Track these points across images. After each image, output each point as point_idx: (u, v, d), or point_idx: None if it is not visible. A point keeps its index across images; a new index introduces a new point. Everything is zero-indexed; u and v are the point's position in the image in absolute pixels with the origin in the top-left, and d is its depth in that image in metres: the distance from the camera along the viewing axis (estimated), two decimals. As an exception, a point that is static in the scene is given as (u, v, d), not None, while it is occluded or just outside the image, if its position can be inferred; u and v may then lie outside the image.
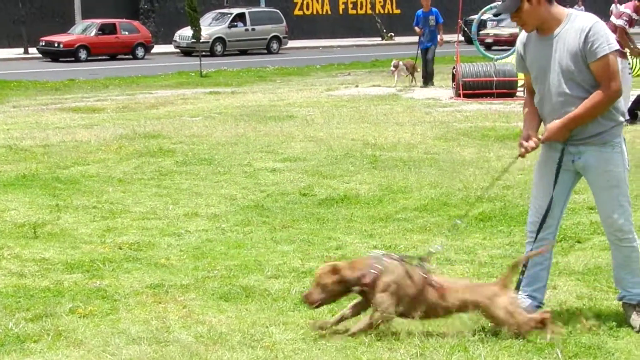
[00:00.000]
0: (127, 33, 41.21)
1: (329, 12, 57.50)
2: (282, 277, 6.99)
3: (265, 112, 17.93)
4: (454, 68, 21.83)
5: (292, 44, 47.30)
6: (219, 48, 42.81)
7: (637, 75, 16.39)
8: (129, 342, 5.58)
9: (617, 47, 5.60)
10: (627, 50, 15.10)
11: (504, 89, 20.38)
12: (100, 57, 39.70)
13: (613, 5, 64.24)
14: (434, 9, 23.83)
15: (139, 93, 23.81)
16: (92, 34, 40.15)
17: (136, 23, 43.38)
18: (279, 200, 9.92)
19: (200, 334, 5.72)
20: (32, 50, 40.93)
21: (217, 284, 6.84)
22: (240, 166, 11.91)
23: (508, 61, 21.68)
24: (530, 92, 5.96)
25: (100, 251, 7.83)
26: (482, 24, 43.66)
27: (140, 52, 41.16)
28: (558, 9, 5.66)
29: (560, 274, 6.96)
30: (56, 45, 39.14)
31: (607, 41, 5.50)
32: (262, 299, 6.46)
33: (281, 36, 45.80)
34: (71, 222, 8.93)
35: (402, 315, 5.68)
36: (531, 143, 5.75)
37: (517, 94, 20.55)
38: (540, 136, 5.77)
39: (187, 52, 41.70)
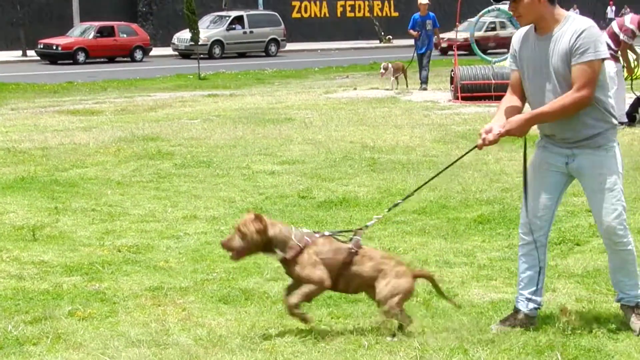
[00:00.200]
0: (125, 36, 41.25)
1: (327, 15, 57.58)
2: (281, 280, 6.96)
3: (263, 115, 17.94)
4: (452, 71, 21.84)
5: (290, 46, 47.34)
6: (217, 51, 42.86)
7: (637, 78, 16.36)
8: (128, 345, 5.57)
9: (605, 55, 5.54)
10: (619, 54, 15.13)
11: (502, 92, 20.21)
12: (98, 60, 39.74)
13: (608, 8, 64.47)
14: (431, 14, 23.85)
15: (138, 96, 23.82)
16: (91, 36, 40.19)
17: (134, 26, 43.42)
18: (277, 202, 9.91)
19: (199, 336, 5.72)
20: (31, 53, 40.97)
21: (216, 286, 6.84)
22: (238, 169, 11.91)
23: (506, 64, 21.66)
24: (513, 90, 5.91)
25: (99, 254, 7.83)
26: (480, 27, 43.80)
27: (138, 54, 41.20)
28: (558, 10, 5.64)
29: (560, 277, 6.96)
30: (54, 47, 39.17)
31: (596, 48, 5.47)
32: (261, 301, 6.46)
33: (279, 39, 45.85)
34: (70, 225, 8.92)
35: (330, 288, 5.74)
36: (490, 136, 5.68)
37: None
38: (501, 129, 5.70)
39: (185, 54, 41.73)
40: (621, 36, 14.75)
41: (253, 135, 14.91)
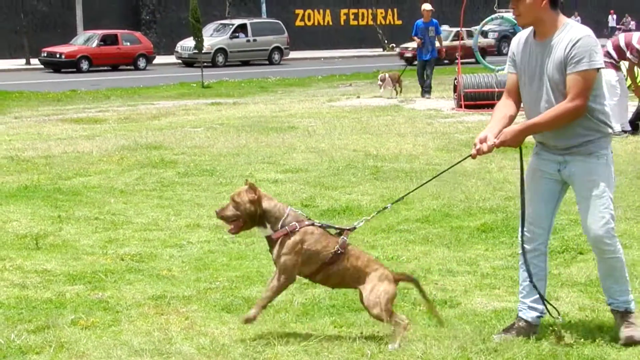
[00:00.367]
0: (128, 44, 41.30)
1: (331, 23, 57.67)
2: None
3: (266, 123, 17.94)
4: (455, 79, 21.85)
5: (293, 54, 47.39)
6: (220, 59, 42.90)
7: (628, 87, 16.34)
8: (131, 354, 5.57)
9: (600, 65, 5.51)
10: (621, 64, 15.14)
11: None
12: (102, 68, 39.79)
13: (609, 17, 64.44)
14: (434, 20, 23.88)
15: (141, 104, 23.84)
16: (94, 44, 40.24)
17: (138, 34, 43.47)
18: (280, 211, 9.89)
19: (202, 345, 5.72)
20: (34, 61, 41.04)
21: (219, 295, 6.84)
22: (242, 177, 11.89)
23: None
24: (509, 94, 5.90)
25: (102, 262, 7.83)
26: (484, 35, 43.76)
27: (141, 63, 41.24)
28: (559, 16, 5.61)
29: (563, 286, 6.96)
30: (58, 56, 39.22)
31: (590, 57, 5.45)
32: (264, 310, 6.45)
33: (283, 47, 45.90)
34: (73, 234, 8.93)
35: (306, 276, 5.81)
36: (484, 146, 5.64)
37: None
38: (495, 140, 5.69)
39: (188, 62, 41.78)
40: (627, 54, 14.76)
41: (256, 144, 14.92)
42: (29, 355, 5.57)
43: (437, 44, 24.30)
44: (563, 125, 5.55)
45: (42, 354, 5.59)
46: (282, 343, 5.72)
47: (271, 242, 5.80)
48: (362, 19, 58.97)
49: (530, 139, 5.80)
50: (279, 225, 5.75)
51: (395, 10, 60.19)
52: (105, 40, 40.65)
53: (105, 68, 40.12)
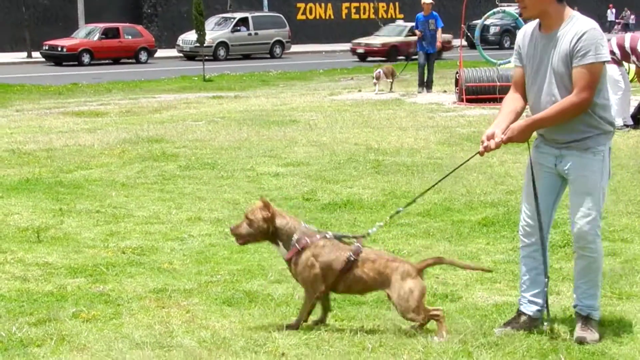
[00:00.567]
0: (130, 37, 41.26)
1: (332, 17, 57.58)
2: (285, 282, 6.98)
3: (268, 117, 17.94)
4: (457, 73, 21.83)
5: (295, 48, 47.35)
6: (222, 52, 42.87)
7: (631, 81, 16.34)
8: (132, 347, 5.57)
9: (606, 58, 5.49)
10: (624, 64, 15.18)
11: (506, 94, 20.33)
12: (103, 62, 39.77)
13: (608, 11, 64.32)
14: (434, 13, 23.81)
15: (142, 97, 23.84)
16: (96, 38, 40.21)
17: (139, 27, 43.42)
18: (281, 204, 9.90)
19: (203, 338, 5.72)
20: (36, 54, 41.00)
21: (221, 288, 6.84)
22: (243, 171, 11.91)
23: (511, 66, 21.65)
24: (516, 88, 5.89)
25: (104, 255, 7.83)
26: (485, 29, 43.67)
27: (143, 56, 41.21)
28: (565, 9, 5.57)
29: (564, 280, 6.95)
30: (59, 49, 39.19)
31: (597, 50, 5.42)
32: (265, 303, 6.46)
33: (284, 40, 45.85)
34: (74, 227, 8.93)
35: (328, 289, 5.81)
36: (492, 143, 5.65)
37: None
38: (503, 136, 5.69)
39: (190, 56, 41.74)
40: (632, 58, 14.78)
41: (258, 137, 14.91)
42: (30, 348, 5.57)
43: (437, 36, 24.15)
44: (569, 119, 5.52)
45: (43, 347, 5.59)
46: (283, 336, 5.72)
47: (287, 262, 5.85)
48: (364, 13, 58.88)
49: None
50: (291, 243, 5.77)
51: (397, 3, 60.09)
52: (107, 33, 40.61)
53: (107, 61, 40.10)
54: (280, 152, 13.39)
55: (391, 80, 24.33)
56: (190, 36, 38.75)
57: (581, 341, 5.60)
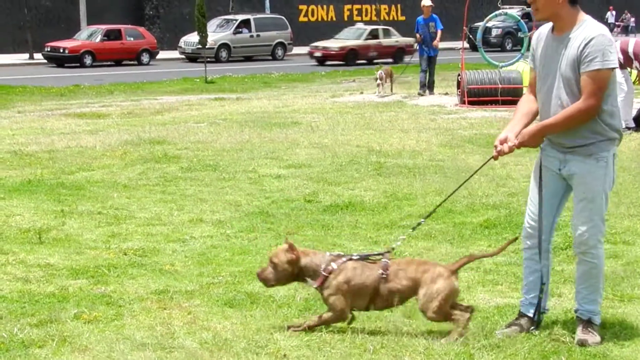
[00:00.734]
0: (132, 39, 41.26)
1: (334, 19, 57.55)
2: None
3: (270, 119, 17.94)
4: (459, 75, 21.83)
5: (297, 50, 47.31)
6: (223, 54, 42.86)
7: (633, 83, 16.35)
8: (133, 348, 5.57)
9: (614, 65, 5.47)
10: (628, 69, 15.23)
11: (508, 96, 20.36)
12: (105, 63, 39.76)
13: (608, 13, 64.27)
14: (434, 15, 23.72)
15: (144, 99, 23.85)
16: (98, 39, 40.21)
17: (141, 29, 43.42)
18: (283, 206, 9.91)
19: (205, 340, 5.72)
20: (37, 56, 41.00)
21: (222, 290, 6.84)
22: (245, 172, 11.91)
23: (513, 68, 21.67)
24: (531, 90, 5.90)
25: (105, 257, 7.84)
26: (487, 31, 43.65)
27: (145, 58, 41.20)
28: (577, 12, 5.56)
29: (566, 282, 6.95)
30: (61, 50, 39.19)
31: (604, 57, 5.42)
32: (266, 305, 6.46)
33: (286, 42, 45.84)
34: (76, 228, 8.93)
35: (367, 309, 5.81)
36: (505, 147, 5.67)
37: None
38: (515, 141, 5.70)
39: (192, 58, 41.73)
40: (635, 64, 14.79)
41: (259, 139, 14.92)
42: (31, 349, 5.58)
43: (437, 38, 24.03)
44: (577, 125, 5.52)
45: (45, 348, 5.59)
46: (285, 338, 5.72)
47: (318, 290, 5.85)
48: (366, 15, 58.86)
49: None
50: (318, 274, 5.78)
51: (399, 6, 60.09)
52: (109, 35, 40.61)
53: (109, 63, 40.09)
54: (282, 154, 13.39)
55: (389, 83, 24.24)
56: (192, 38, 38.74)
57: (583, 343, 5.60)
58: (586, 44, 5.43)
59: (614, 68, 5.51)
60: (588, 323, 5.74)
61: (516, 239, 6.05)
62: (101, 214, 9.52)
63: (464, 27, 22.97)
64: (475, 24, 38.35)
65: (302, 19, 56.00)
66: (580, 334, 5.70)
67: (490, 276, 7.21)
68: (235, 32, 43.88)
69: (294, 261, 5.79)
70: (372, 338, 5.67)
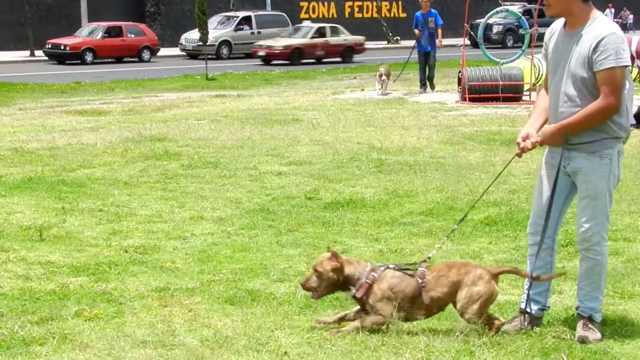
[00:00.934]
0: (133, 36, 41.27)
1: (335, 16, 57.53)
2: (287, 281, 6.99)
3: (271, 116, 17.93)
4: (459, 72, 21.82)
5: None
6: (224, 51, 42.84)
7: (634, 80, 16.35)
8: (134, 346, 5.58)
9: (626, 63, 5.48)
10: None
11: (509, 93, 20.37)
12: (106, 60, 39.77)
13: (607, 10, 64.25)
14: (433, 10, 23.56)
15: (145, 96, 23.85)
16: (99, 36, 40.22)
17: (142, 26, 43.43)
18: (284, 203, 9.91)
19: (205, 337, 5.72)
20: (38, 53, 41.02)
21: (223, 287, 6.84)
22: (246, 169, 11.91)
23: (514, 65, 21.66)
24: (546, 85, 5.90)
25: (106, 254, 7.84)
26: (488, 28, 43.63)
27: (146, 55, 41.21)
28: (589, 8, 5.57)
29: (566, 279, 6.94)
30: (62, 47, 39.19)
31: (617, 55, 5.43)
32: (267, 302, 6.46)
33: (287, 40, 45.75)
34: (77, 225, 8.93)
35: (408, 319, 5.75)
36: (528, 143, 5.69)
37: (523, 98, 20.56)
38: (538, 138, 5.71)
39: (193, 55, 41.73)
40: (637, 62, 14.80)
41: (260, 136, 14.91)
42: (32, 347, 5.58)
43: (438, 35, 23.90)
44: (597, 124, 5.53)
45: (46, 345, 5.59)
46: (286, 335, 5.73)
47: (358, 300, 5.82)
48: (367, 12, 58.86)
49: None
50: (360, 283, 5.77)
51: (399, 2, 60.08)
52: (110, 32, 40.61)
53: (110, 60, 40.10)
54: (283, 151, 13.39)
55: (390, 81, 24.16)
56: (193, 35, 38.70)
57: (583, 340, 5.60)
58: (598, 43, 5.43)
59: (627, 66, 5.52)
60: (589, 320, 5.74)
61: (564, 274, 6.08)
62: (102, 212, 9.52)
63: (465, 24, 22.94)
64: (476, 20, 38.38)
65: (303, 15, 55.94)
66: (580, 331, 5.70)
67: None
68: (236, 29, 43.87)
69: (338, 269, 5.78)
70: (372, 335, 5.67)
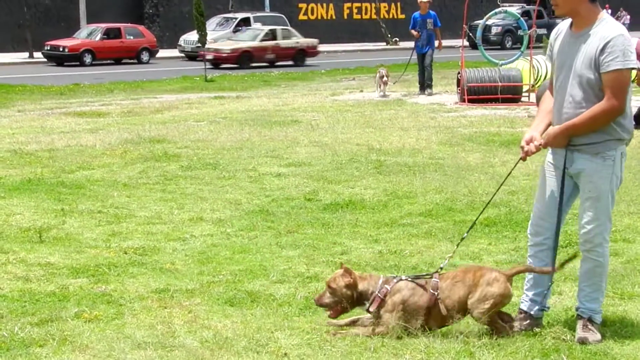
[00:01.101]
0: (132, 37, 41.24)
1: (334, 17, 57.56)
2: (287, 282, 6.99)
3: (270, 117, 17.93)
4: (458, 73, 21.82)
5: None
6: (223, 53, 42.74)
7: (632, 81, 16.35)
8: (134, 347, 5.58)
9: (633, 65, 5.47)
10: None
11: (508, 94, 20.37)
12: (105, 62, 39.73)
13: (604, 10, 64.37)
14: (431, 12, 23.53)
15: (144, 97, 23.84)
16: (97, 38, 40.19)
17: (141, 27, 43.39)
18: (283, 205, 9.91)
19: (205, 339, 5.72)
20: (37, 55, 40.97)
21: (223, 288, 6.84)
22: (245, 171, 11.91)
23: (513, 66, 21.66)
24: (551, 87, 5.90)
25: (106, 256, 7.84)
26: (487, 29, 43.63)
27: (145, 56, 41.17)
28: (596, 9, 5.57)
29: (566, 280, 6.95)
30: (61, 49, 39.16)
31: (624, 57, 5.42)
32: (267, 304, 6.46)
33: (285, 41, 45.72)
34: (76, 227, 8.93)
35: (425, 328, 5.76)
36: (532, 147, 5.71)
37: (522, 99, 20.56)
38: (542, 140, 5.72)
39: (191, 56, 41.68)
40: (637, 63, 14.78)
41: (259, 138, 14.91)
42: (32, 348, 5.58)
43: (437, 36, 23.83)
44: (601, 126, 5.53)
45: (46, 347, 5.59)
46: (285, 336, 5.73)
47: (373, 313, 5.84)
48: (366, 13, 58.86)
49: None
50: (373, 297, 5.79)
51: (398, 4, 60.07)
52: (109, 33, 40.58)
53: (109, 62, 40.06)
54: (282, 152, 13.39)
55: (387, 82, 24.09)
56: (192, 36, 38.66)
57: (583, 341, 5.61)
58: (605, 44, 5.43)
59: (634, 68, 5.52)
60: (589, 321, 5.74)
61: (575, 256, 5.98)
62: (101, 213, 9.53)
63: (464, 25, 22.95)
64: (475, 21, 38.37)
65: (301, 17, 55.97)
66: (580, 332, 5.70)
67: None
68: (235, 31, 43.83)
69: (351, 285, 5.79)
70: (372, 337, 5.67)
